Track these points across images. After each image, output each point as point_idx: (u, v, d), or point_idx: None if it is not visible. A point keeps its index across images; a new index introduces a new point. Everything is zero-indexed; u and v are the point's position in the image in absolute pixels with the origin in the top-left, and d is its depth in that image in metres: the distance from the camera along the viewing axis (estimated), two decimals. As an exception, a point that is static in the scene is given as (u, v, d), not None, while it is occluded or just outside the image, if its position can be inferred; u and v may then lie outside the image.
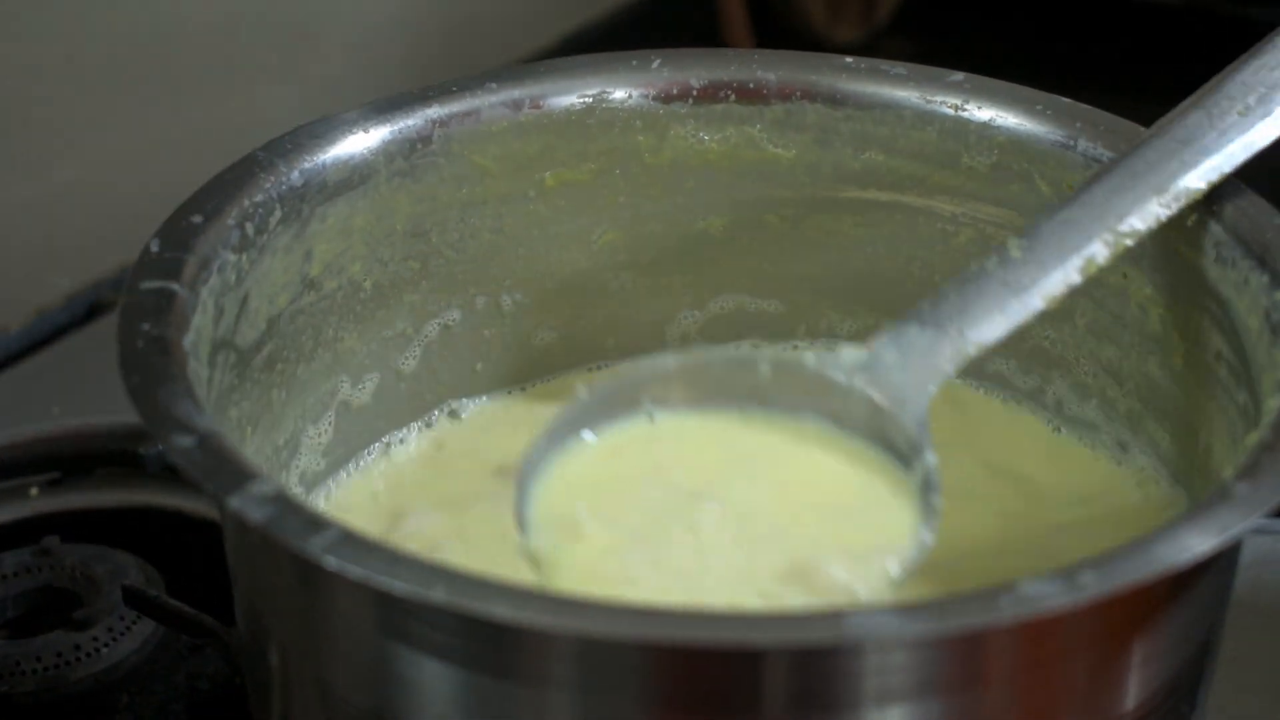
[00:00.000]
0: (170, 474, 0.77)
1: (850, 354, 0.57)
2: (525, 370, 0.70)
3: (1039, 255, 0.58)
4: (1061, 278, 0.57)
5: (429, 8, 1.10)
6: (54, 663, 0.69)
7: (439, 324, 0.68)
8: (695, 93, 0.67)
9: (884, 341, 0.57)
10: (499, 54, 1.09)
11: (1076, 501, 0.64)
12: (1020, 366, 0.68)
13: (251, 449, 0.61)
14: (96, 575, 0.72)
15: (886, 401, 0.56)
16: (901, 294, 0.69)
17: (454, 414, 0.69)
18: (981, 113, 0.66)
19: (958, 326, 0.57)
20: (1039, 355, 0.67)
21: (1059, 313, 0.66)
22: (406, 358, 0.67)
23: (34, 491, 0.78)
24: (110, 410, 0.78)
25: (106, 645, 0.70)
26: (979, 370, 0.69)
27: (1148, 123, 0.63)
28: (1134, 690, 0.52)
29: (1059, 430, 0.67)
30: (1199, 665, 0.55)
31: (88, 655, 0.70)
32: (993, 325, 0.57)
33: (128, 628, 0.71)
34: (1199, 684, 0.56)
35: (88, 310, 0.90)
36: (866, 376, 0.57)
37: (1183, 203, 0.59)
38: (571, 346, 0.70)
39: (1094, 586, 0.47)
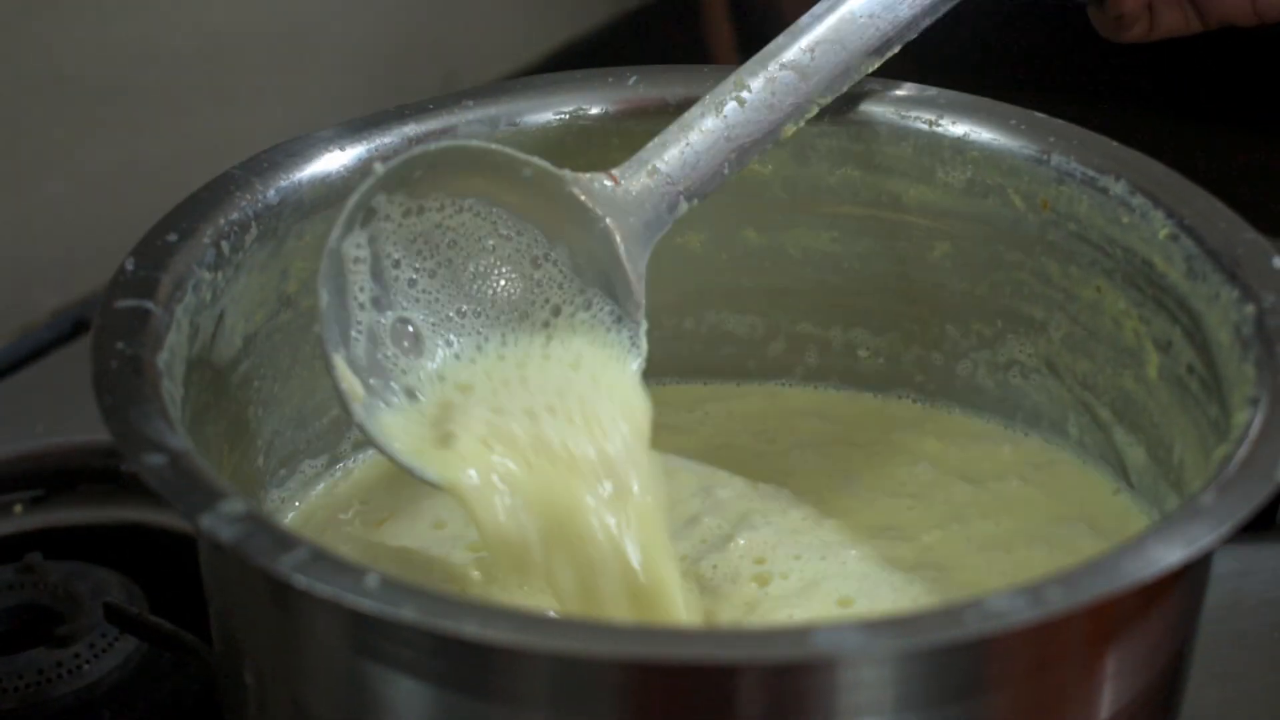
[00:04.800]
0: (153, 491, 0.77)
1: (600, 183, 0.61)
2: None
3: (755, 113, 0.63)
4: (772, 135, 0.63)
5: (416, 28, 1.10)
6: (35, 680, 0.69)
7: (417, 340, 0.68)
8: (671, 109, 0.67)
9: (626, 176, 0.62)
10: (487, 73, 1.09)
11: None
12: (995, 380, 0.68)
13: (229, 467, 0.61)
14: (78, 592, 0.72)
15: (623, 248, 0.61)
16: (879, 308, 0.69)
17: None
18: (956, 128, 0.66)
19: (686, 184, 0.62)
20: (1014, 368, 0.68)
21: (1034, 326, 0.66)
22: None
23: (17, 508, 0.78)
24: (94, 428, 0.77)
25: (88, 662, 0.70)
26: (952, 388, 0.69)
27: (1147, 136, 0.63)
28: (1107, 703, 0.52)
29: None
30: (1172, 677, 0.55)
31: (69, 672, 0.70)
32: (714, 181, 0.63)
33: (110, 645, 0.70)
34: (1173, 696, 0.56)
35: (72, 327, 0.90)
36: (612, 212, 0.61)
37: (878, 64, 0.65)
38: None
39: (1059, 601, 0.48)
